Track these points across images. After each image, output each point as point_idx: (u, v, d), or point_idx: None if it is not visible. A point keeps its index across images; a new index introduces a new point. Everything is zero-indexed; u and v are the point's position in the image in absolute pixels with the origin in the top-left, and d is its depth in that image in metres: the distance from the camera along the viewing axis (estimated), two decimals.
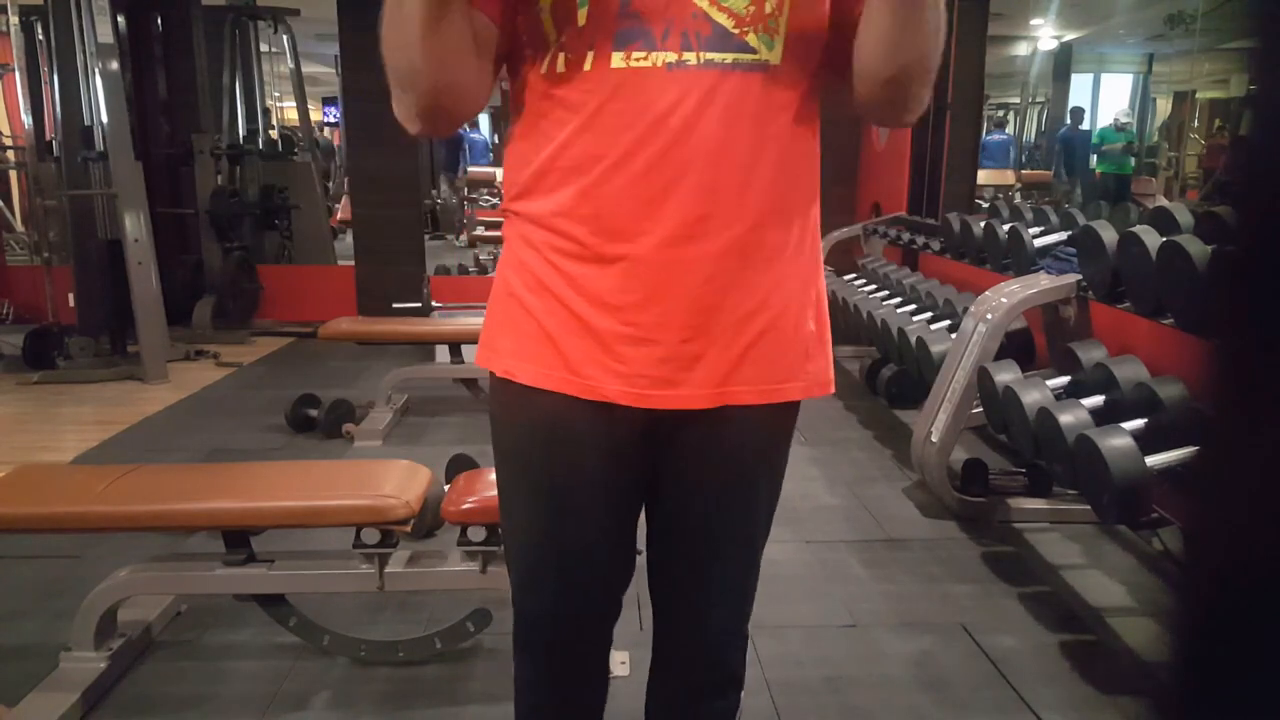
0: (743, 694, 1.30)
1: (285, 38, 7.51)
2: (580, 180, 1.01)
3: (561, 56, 1.00)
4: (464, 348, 4.04)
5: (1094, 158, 10.84)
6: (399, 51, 0.96)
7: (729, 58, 0.98)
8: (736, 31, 0.98)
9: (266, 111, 7.49)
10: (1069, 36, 12.65)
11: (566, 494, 1.14)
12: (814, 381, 1.13)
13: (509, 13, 1.02)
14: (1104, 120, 12.14)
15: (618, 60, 0.98)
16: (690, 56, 0.97)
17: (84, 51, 4.79)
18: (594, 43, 0.98)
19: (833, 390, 1.16)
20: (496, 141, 12.83)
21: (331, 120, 14.83)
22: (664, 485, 1.17)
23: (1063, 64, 12.98)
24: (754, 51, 0.99)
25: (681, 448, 1.12)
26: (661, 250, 1.01)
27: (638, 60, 0.98)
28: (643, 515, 1.24)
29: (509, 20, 1.03)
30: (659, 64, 0.97)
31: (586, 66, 0.99)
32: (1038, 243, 3.55)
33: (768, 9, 0.99)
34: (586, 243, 1.02)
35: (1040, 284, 3.17)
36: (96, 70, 4.67)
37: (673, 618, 1.25)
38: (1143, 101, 12.74)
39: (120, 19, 5.49)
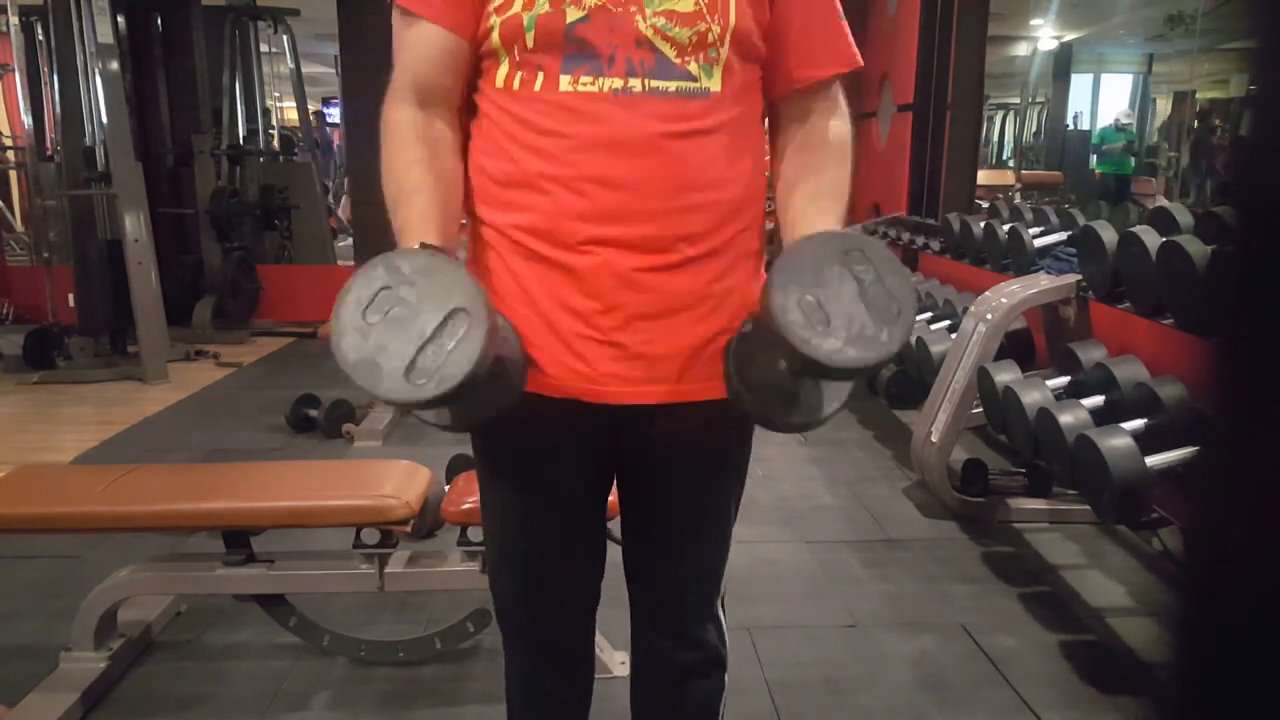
0: (726, 675, 1.32)
1: (285, 38, 7.50)
2: (535, 197, 1.05)
3: (518, 75, 1.05)
4: None
5: (1093, 158, 10.84)
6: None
7: (672, 85, 1.04)
8: (679, 61, 1.04)
9: (267, 111, 7.48)
10: (1069, 37, 12.66)
11: (533, 489, 1.19)
12: None
13: (474, 21, 1.07)
14: (1103, 120, 12.15)
15: (565, 84, 1.03)
16: (636, 84, 1.03)
17: (84, 51, 4.79)
18: (542, 64, 1.03)
19: None
20: None
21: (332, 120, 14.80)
22: (630, 477, 1.22)
23: (1063, 64, 12.99)
24: (695, 79, 1.05)
25: (645, 442, 1.17)
26: (617, 259, 1.05)
27: (585, 85, 1.03)
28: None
29: (475, 29, 1.07)
30: (605, 89, 1.02)
31: (537, 87, 1.04)
32: (1038, 243, 3.55)
33: (710, 39, 1.04)
34: (545, 254, 1.06)
35: (1040, 284, 3.17)
36: (96, 70, 4.67)
37: (648, 603, 1.29)
38: (1143, 101, 12.75)
39: (120, 19, 5.50)
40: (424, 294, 0.90)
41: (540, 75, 1.04)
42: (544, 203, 1.05)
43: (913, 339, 3.65)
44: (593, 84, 1.02)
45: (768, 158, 1.20)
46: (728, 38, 1.05)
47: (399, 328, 0.89)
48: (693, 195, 1.06)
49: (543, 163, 1.04)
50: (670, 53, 1.03)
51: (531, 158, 1.05)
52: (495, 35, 1.04)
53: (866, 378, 0.94)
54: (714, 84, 1.05)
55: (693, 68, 1.04)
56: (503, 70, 1.07)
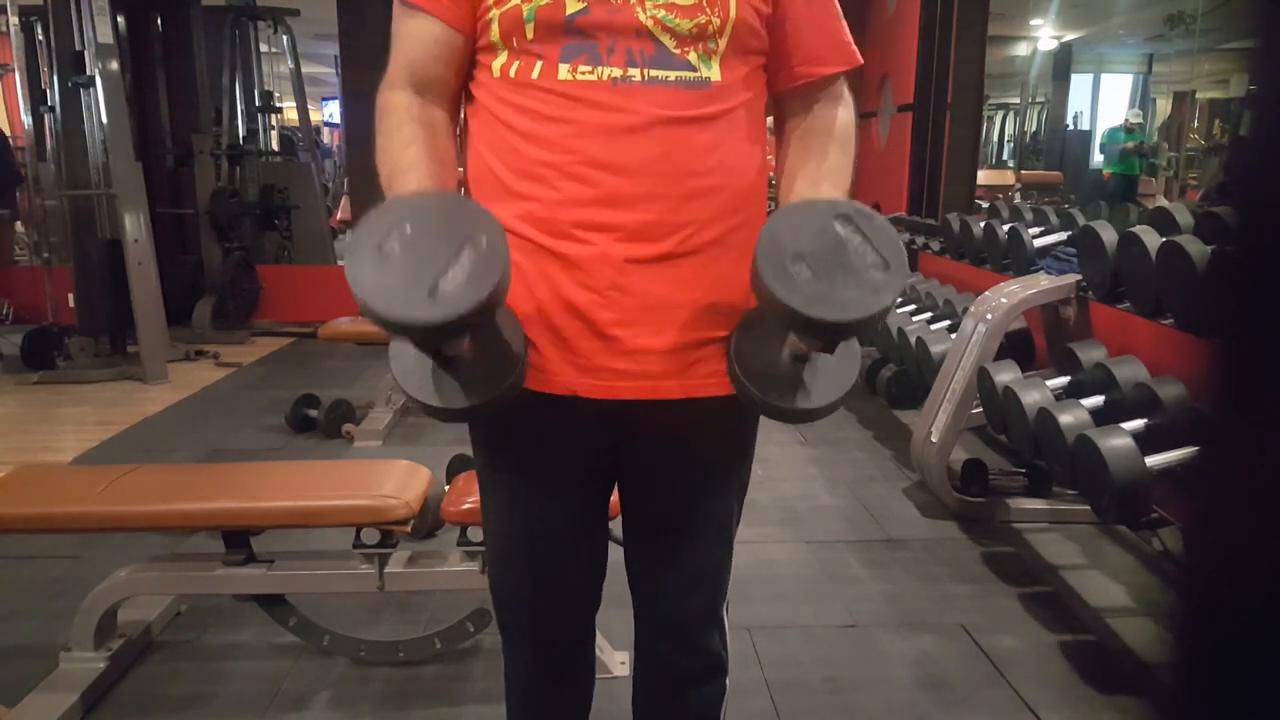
0: (727, 679, 1.31)
1: (285, 38, 7.50)
2: (535, 186, 1.05)
3: (515, 64, 1.06)
4: None
5: (1098, 158, 10.85)
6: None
7: (672, 75, 1.04)
8: (678, 51, 1.04)
9: (267, 110, 7.47)
10: (1069, 36, 12.66)
11: (534, 486, 1.19)
12: None
13: (471, 18, 1.07)
14: (1103, 121, 12.15)
15: (564, 73, 1.03)
16: (635, 73, 1.03)
17: (84, 51, 4.79)
18: (542, 54, 1.04)
19: None
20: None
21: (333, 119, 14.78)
22: (632, 475, 1.21)
23: (1063, 64, 13.00)
24: (695, 69, 1.05)
25: (646, 439, 1.16)
26: (616, 250, 1.05)
27: (584, 74, 1.03)
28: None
29: (473, 25, 1.08)
30: (604, 78, 1.03)
31: (535, 76, 1.04)
32: (1038, 243, 3.55)
33: (710, 30, 1.04)
34: (544, 244, 1.06)
35: (1040, 284, 3.17)
36: (97, 70, 4.67)
37: (650, 606, 1.28)
38: (1142, 102, 12.76)
39: (120, 19, 5.49)
40: (440, 224, 0.92)
41: (539, 64, 1.04)
42: (543, 191, 1.05)
43: (912, 339, 3.65)
44: (591, 73, 1.02)
45: (770, 157, 1.19)
46: (728, 29, 1.05)
47: (416, 255, 0.90)
48: (692, 181, 1.05)
49: (542, 150, 1.04)
50: (670, 43, 1.03)
51: (530, 146, 1.05)
52: (495, 28, 1.05)
53: (858, 334, 0.96)
54: (714, 74, 1.06)
55: (692, 58, 1.04)
56: (500, 60, 1.07)
